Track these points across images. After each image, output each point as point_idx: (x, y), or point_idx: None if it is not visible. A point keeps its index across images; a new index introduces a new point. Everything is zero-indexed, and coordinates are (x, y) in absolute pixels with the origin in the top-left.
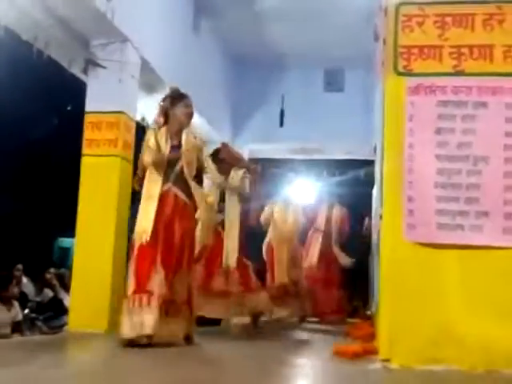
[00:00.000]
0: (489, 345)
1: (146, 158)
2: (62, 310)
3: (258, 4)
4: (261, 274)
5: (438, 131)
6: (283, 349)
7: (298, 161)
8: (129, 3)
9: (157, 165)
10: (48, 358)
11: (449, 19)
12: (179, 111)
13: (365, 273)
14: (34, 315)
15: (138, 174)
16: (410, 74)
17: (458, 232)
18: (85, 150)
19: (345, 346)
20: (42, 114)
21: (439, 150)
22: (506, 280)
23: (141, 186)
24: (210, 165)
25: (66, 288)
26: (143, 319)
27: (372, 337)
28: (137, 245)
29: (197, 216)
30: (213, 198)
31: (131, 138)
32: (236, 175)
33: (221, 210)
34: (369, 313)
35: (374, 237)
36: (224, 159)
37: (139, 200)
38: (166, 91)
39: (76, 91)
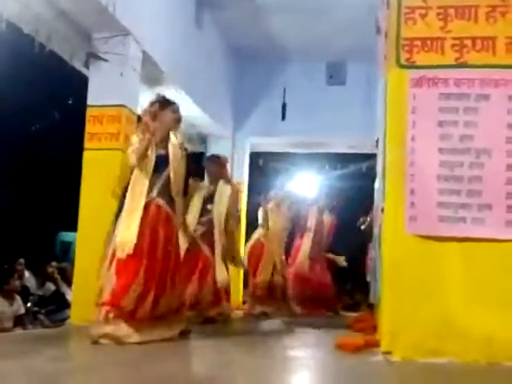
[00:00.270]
0: (491, 337)
1: (132, 159)
2: (64, 304)
3: None
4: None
5: (441, 124)
6: (283, 342)
7: (300, 155)
8: None
9: (141, 159)
10: (51, 351)
11: (452, 11)
12: (168, 116)
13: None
14: (36, 309)
15: (116, 188)
16: (412, 66)
17: (460, 225)
18: (86, 143)
19: (346, 338)
20: (43, 107)
21: (441, 143)
22: (508, 273)
23: (123, 195)
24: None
25: (68, 282)
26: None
27: (374, 329)
28: (118, 256)
29: None
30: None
31: (133, 131)
32: (225, 189)
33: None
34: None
35: (376, 230)
36: (213, 172)
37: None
38: (168, 85)
39: (77, 85)
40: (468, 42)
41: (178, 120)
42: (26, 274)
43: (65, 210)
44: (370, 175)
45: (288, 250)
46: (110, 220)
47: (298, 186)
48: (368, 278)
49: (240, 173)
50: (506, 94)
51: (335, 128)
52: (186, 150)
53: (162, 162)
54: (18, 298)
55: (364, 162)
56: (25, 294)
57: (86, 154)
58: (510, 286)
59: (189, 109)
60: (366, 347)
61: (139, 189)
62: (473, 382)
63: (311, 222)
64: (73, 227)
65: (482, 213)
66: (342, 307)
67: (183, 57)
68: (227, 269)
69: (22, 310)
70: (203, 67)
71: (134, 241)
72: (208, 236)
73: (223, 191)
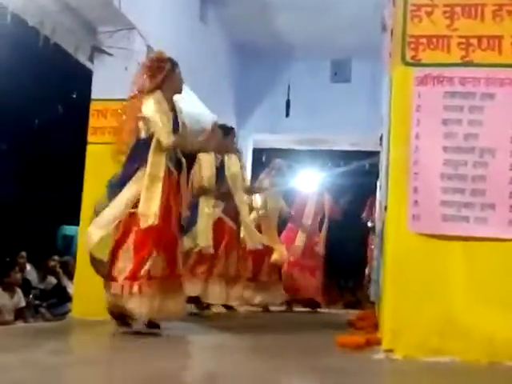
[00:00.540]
0: (493, 337)
1: (165, 139)
2: (65, 298)
3: None
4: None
5: (445, 122)
6: (283, 337)
7: (303, 151)
8: None
9: (179, 148)
10: (52, 344)
11: (458, 9)
12: (177, 77)
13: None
14: (37, 302)
15: (122, 148)
16: (417, 64)
17: (463, 224)
18: (90, 137)
19: (348, 336)
20: (47, 100)
21: (446, 141)
22: (511, 272)
23: (132, 160)
24: None
25: (70, 276)
26: (134, 306)
27: (375, 327)
28: (142, 227)
29: None
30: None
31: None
32: (235, 159)
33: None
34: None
35: (379, 227)
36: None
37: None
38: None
39: (82, 78)
40: (474, 41)
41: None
42: (28, 267)
43: (67, 203)
44: (374, 173)
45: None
46: None
47: (301, 182)
48: (367, 271)
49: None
50: None
51: (339, 125)
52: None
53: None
54: (18, 290)
55: (367, 160)
56: (26, 287)
57: (90, 148)
58: None
59: (193, 104)
60: (368, 345)
61: (158, 159)
62: (474, 381)
63: (307, 217)
64: (75, 221)
65: (486, 212)
66: (343, 304)
67: (188, 52)
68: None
69: (23, 303)
70: (207, 63)
71: (158, 212)
72: (229, 209)
73: (234, 162)
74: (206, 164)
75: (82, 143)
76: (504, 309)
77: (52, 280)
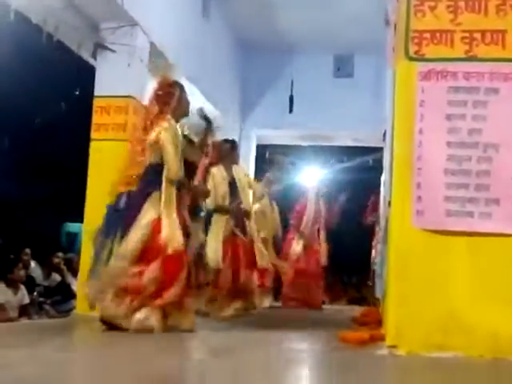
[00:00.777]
0: (497, 332)
1: (175, 174)
2: (69, 295)
3: None
4: None
5: (449, 117)
6: (287, 334)
7: (307, 147)
8: None
9: (180, 186)
10: (56, 341)
11: (462, 4)
12: (186, 101)
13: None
14: (41, 299)
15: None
16: (421, 59)
17: (468, 219)
18: (93, 134)
19: (351, 332)
20: (50, 97)
21: (449, 137)
22: None
23: (145, 184)
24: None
25: (74, 273)
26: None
27: (379, 323)
28: (169, 252)
29: None
30: None
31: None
32: (241, 172)
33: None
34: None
35: (382, 223)
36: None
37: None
38: (175, 76)
39: (85, 75)
40: (478, 35)
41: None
42: (32, 264)
43: (71, 200)
44: (377, 168)
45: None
46: None
47: (304, 178)
48: (372, 262)
49: (246, 165)
50: None
51: (342, 121)
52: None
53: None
54: (22, 287)
55: (371, 155)
56: (31, 284)
57: (93, 145)
58: None
59: (196, 101)
60: (371, 341)
61: (171, 183)
62: (478, 376)
63: (305, 226)
64: (78, 218)
65: (490, 207)
66: (347, 300)
67: (190, 48)
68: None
69: (27, 300)
70: (210, 59)
71: (181, 236)
72: (240, 223)
73: (241, 175)
74: (220, 180)
75: (86, 140)
76: (508, 304)
77: (56, 277)
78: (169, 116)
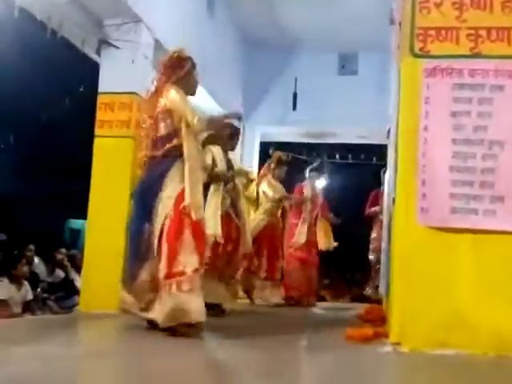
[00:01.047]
0: (500, 330)
1: (195, 120)
2: (73, 291)
3: None
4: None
5: (454, 114)
6: (292, 332)
7: (311, 144)
8: None
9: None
10: (60, 337)
11: (467, 1)
12: (194, 78)
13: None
14: (45, 295)
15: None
16: (426, 55)
17: (472, 216)
18: (97, 130)
19: (356, 329)
20: (54, 94)
21: (454, 134)
22: None
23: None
24: None
25: (78, 269)
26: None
27: (383, 321)
28: (193, 218)
29: None
30: None
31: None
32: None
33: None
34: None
35: (386, 220)
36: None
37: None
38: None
39: (89, 71)
40: (483, 32)
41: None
42: (36, 260)
43: (74, 197)
44: (381, 166)
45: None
46: (120, 207)
47: (306, 175)
48: (370, 256)
49: (250, 162)
50: None
51: (346, 118)
52: None
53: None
54: (25, 283)
55: (375, 153)
56: (34, 280)
57: (97, 141)
58: None
59: (200, 97)
60: (375, 338)
61: (196, 148)
62: (481, 374)
63: (306, 212)
64: (82, 215)
65: (494, 205)
66: (351, 298)
67: (195, 45)
68: None
69: (30, 296)
70: (215, 56)
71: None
72: (235, 206)
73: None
74: (219, 156)
75: (90, 136)
76: (511, 302)
77: (60, 273)
78: (173, 85)
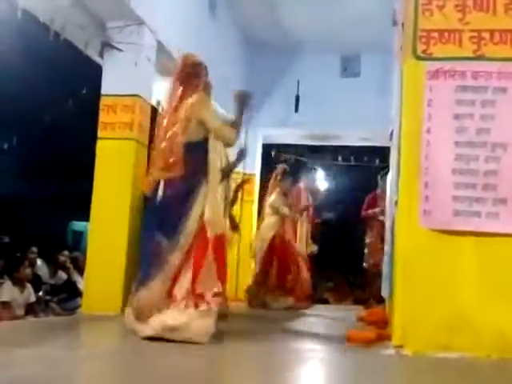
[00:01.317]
0: (503, 332)
1: (233, 135)
2: (75, 293)
3: None
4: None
5: (457, 116)
6: (294, 334)
7: (313, 147)
8: None
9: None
10: (62, 339)
11: (470, 3)
12: (210, 82)
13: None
14: (48, 297)
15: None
16: (429, 58)
17: (475, 219)
18: (100, 133)
19: (358, 332)
20: (57, 96)
21: (457, 136)
22: None
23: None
24: None
25: (80, 271)
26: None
27: (385, 323)
28: (216, 234)
29: None
30: None
31: (147, 121)
32: None
33: None
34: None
35: (388, 223)
36: None
37: None
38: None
39: (92, 74)
40: (486, 35)
41: None
42: (39, 262)
43: (77, 199)
44: (383, 168)
45: None
46: (123, 209)
47: (310, 177)
48: (364, 263)
49: (252, 164)
50: None
51: (349, 120)
52: None
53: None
54: (28, 285)
55: (377, 155)
56: (37, 282)
57: (100, 144)
58: None
59: None
60: (378, 341)
61: (216, 163)
62: (484, 376)
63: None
64: (84, 217)
65: (497, 207)
66: (353, 301)
67: (197, 47)
68: None
69: (33, 298)
70: (217, 58)
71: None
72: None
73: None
74: (223, 151)
75: (92, 138)
76: None
77: (62, 275)
78: (197, 94)
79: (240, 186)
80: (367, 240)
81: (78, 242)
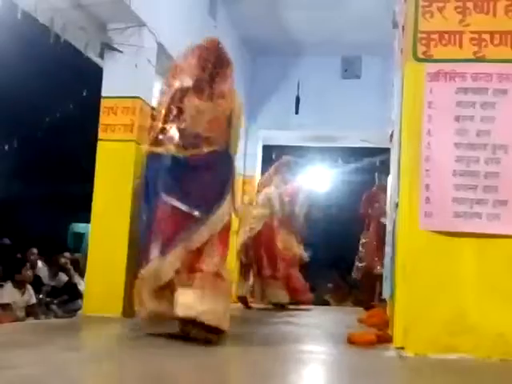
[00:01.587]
0: (504, 334)
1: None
2: (76, 295)
3: None
4: None
5: (457, 118)
6: (295, 335)
7: (313, 148)
8: None
9: None
10: (63, 341)
11: (470, 4)
12: None
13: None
14: (48, 299)
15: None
16: (429, 60)
17: (476, 220)
18: (100, 134)
19: (359, 333)
20: (57, 98)
21: (458, 138)
22: None
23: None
24: None
25: (81, 273)
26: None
27: (386, 325)
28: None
29: None
30: None
31: (147, 123)
32: None
33: None
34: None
35: (389, 225)
36: None
37: None
38: None
39: (92, 75)
40: (486, 36)
41: None
42: (39, 264)
43: (78, 201)
44: (384, 169)
45: None
46: (123, 210)
47: (310, 179)
48: (359, 263)
49: (252, 166)
50: None
51: (349, 122)
52: None
53: None
54: (29, 287)
55: (378, 157)
56: (37, 284)
57: (100, 145)
58: None
59: None
60: (379, 342)
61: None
62: (485, 378)
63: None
64: (85, 219)
65: (498, 209)
66: (352, 302)
67: None
68: None
69: (34, 300)
70: None
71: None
72: None
73: None
74: None
75: (93, 140)
76: None
77: (63, 277)
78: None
79: None
80: (363, 240)
81: (78, 244)
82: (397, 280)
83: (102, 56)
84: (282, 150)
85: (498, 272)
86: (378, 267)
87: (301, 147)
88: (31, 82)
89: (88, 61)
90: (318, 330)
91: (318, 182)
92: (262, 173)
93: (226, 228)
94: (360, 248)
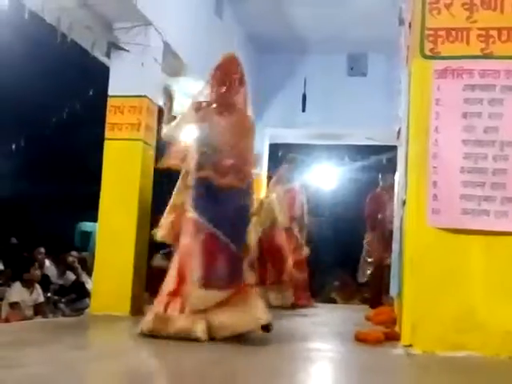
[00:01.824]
0: None
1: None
2: (84, 293)
3: None
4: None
5: (465, 115)
6: (303, 333)
7: (320, 146)
8: None
9: None
10: (71, 339)
11: (477, 1)
12: None
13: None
14: (56, 298)
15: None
16: (436, 57)
17: (483, 218)
18: (107, 133)
19: (367, 331)
20: (64, 97)
21: (465, 135)
22: None
23: None
24: None
25: (88, 272)
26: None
27: (394, 322)
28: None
29: None
30: None
31: (154, 122)
32: None
33: None
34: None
35: (397, 222)
36: None
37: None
38: (189, 75)
39: (99, 74)
40: (494, 33)
41: None
42: (47, 263)
43: (85, 200)
44: (391, 167)
45: None
46: (130, 209)
47: (317, 177)
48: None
49: (259, 163)
50: None
51: (356, 119)
52: None
53: None
54: (37, 286)
55: (384, 154)
56: (45, 282)
57: (107, 144)
58: None
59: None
60: (387, 340)
61: None
62: (494, 376)
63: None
64: (92, 217)
65: (506, 206)
66: (360, 300)
67: (204, 48)
68: None
69: (42, 299)
70: None
71: None
72: None
73: None
74: None
75: (100, 139)
76: None
77: (71, 276)
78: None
79: None
80: (367, 238)
81: (86, 243)
82: (404, 277)
83: (108, 55)
84: (289, 148)
85: (506, 269)
86: (388, 259)
87: (307, 145)
88: (38, 81)
89: (94, 60)
90: (326, 328)
91: (325, 180)
92: (269, 171)
93: None
94: (365, 245)
